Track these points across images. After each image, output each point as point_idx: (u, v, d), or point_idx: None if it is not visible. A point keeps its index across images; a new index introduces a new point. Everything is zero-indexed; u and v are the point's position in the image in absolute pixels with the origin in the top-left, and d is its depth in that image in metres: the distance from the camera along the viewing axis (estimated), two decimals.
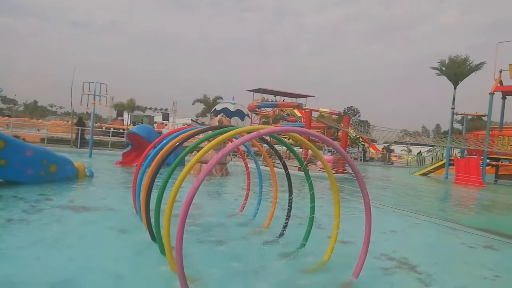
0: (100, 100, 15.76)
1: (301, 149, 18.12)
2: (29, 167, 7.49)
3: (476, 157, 21.95)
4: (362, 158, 34.79)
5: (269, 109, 55.95)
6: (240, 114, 21.16)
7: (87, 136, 18.70)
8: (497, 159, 22.25)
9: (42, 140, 19.36)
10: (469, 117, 27.22)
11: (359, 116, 70.06)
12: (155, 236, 3.95)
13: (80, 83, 15.64)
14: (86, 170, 9.29)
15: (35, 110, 71.32)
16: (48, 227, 4.82)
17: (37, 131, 26.61)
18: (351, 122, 25.35)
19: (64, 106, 72.35)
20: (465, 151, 24.21)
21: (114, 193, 7.92)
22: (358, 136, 37.98)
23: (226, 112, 19.47)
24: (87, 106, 15.63)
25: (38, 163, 7.71)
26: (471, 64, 25.26)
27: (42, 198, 6.52)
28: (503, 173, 23.42)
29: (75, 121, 21.52)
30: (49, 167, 7.93)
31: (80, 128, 19.68)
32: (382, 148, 45.80)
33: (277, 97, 58.99)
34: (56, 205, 6.10)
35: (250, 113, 50.63)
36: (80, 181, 8.76)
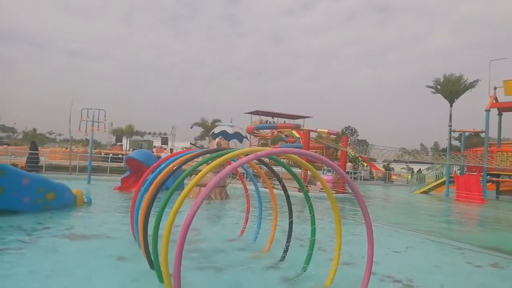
0: (98, 126, 15.79)
1: (300, 170, 18.06)
2: (25, 195, 7.42)
3: (475, 173, 21.89)
4: (362, 177, 34.61)
5: (268, 131, 56.19)
6: (238, 136, 21.22)
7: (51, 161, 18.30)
8: (497, 175, 22.17)
9: (40, 167, 19.28)
10: (466, 133, 27.33)
11: (357, 135, 70.27)
12: (153, 263, 3.86)
13: (79, 110, 15.73)
14: (84, 196, 9.20)
15: (34, 138, 71.39)
16: (44, 256, 4.72)
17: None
18: (349, 142, 25.40)
19: (63, 133, 72.63)
20: (465, 168, 24.17)
21: (112, 220, 7.81)
22: (357, 156, 37.99)
23: (224, 135, 19.52)
24: (86, 132, 15.65)
25: (35, 191, 7.63)
26: (465, 82, 25.54)
27: (39, 226, 6.42)
28: (504, 189, 23.30)
29: (74, 148, 21.46)
30: (46, 195, 7.85)
31: (31, 152, 18.95)
32: (382, 167, 45.66)
33: (275, 119, 59.33)
34: (54, 233, 5.99)
35: (248, 135, 50.78)
36: (78, 208, 8.66)
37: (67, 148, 27.53)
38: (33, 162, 18.72)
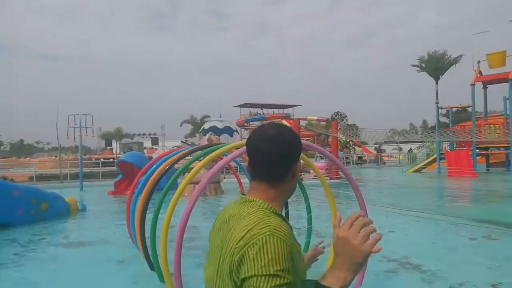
0: (86, 132, 15.62)
1: None
2: (18, 208, 7.32)
3: (465, 148, 22.22)
4: (354, 162, 34.88)
5: (258, 123, 56.12)
6: (228, 130, 21.20)
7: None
8: (486, 148, 22.54)
9: (31, 178, 19.05)
10: (454, 109, 27.65)
11: (347, 120, 70.47)
12: (153, 264, 3.87)
13: (65, 116, 15.53)
14: (78, 204, 9.14)
15: (21, 149, 70.37)
16: (43, 267, 4.69)
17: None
18: (339, 127, 25.53)
19: (51, 142, 71.65)
20: (455, 143, 24.52)
21: (108, 224, 7.77)
22: (348, 140, 38.22)
23: (215, 130, 19.47)
24: (74, 139, 15.48)
25: (27, 202, 7.54)
26: (449, 58, 25.81)
27: (35, 238, 6.37)
28: (494, 161, 23.72)
29: (64, 155, 21.22)
30: (39, 205, 7.77)
31: None
32: (374, 149, 46.05)
33: (264, 110, 59.25)
34: (51, 243, 5.96)
35: (239, 129, 50.70)
36: (73, 216, 8.60)
37: (56, 157, 27.19)
38: None
